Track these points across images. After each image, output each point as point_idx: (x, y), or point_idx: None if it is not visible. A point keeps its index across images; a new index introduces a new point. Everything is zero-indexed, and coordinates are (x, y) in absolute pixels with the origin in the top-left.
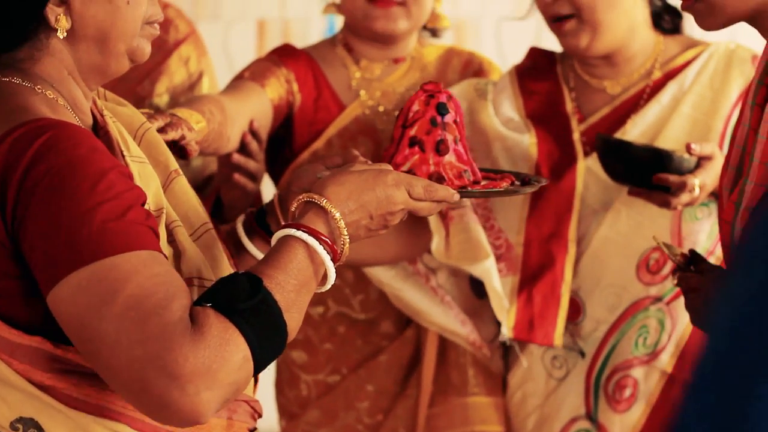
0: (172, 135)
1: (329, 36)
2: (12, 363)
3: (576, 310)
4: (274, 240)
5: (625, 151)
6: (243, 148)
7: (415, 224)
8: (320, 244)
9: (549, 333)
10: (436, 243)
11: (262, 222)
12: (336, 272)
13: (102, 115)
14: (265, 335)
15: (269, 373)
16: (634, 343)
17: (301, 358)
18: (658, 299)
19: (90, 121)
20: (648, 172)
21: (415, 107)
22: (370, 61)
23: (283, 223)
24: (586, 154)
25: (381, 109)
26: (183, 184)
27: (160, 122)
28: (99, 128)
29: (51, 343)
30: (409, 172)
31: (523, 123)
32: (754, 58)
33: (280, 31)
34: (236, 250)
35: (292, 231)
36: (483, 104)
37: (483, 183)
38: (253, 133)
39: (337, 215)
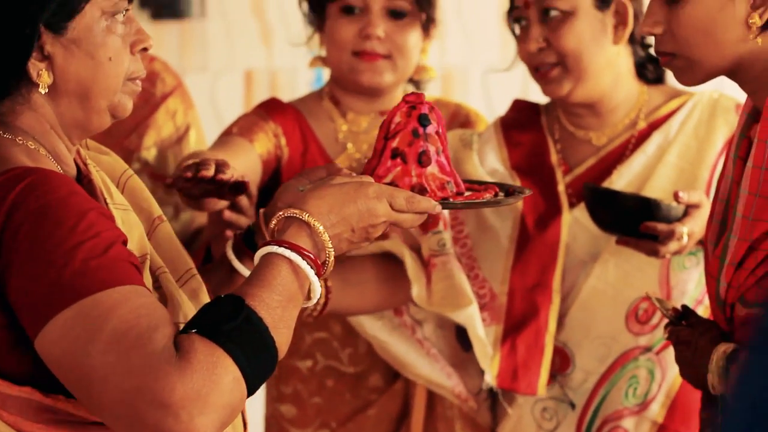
0: (230, 174)
1: (316, 88)
2: (2, 414)
3: (565, 361)
4: (256, 258)
5: (612, 199)
6: (234, 205)
7: (397, 272)
8: (303, 258)
9: (533, 382)
10: (417, 290)
11: (250, 242)
12: (324, 323)
13: (85, 164)
14: (254, 354)
15: (258, 428)
16: (624, 393)
17: (290, 412)
18: (647, 349)
19: (74, 172)
20: (636, 221)
21: (397, 119)
22: (356, 114)
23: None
24: (572, 205)
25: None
26: (167, 231)
27: (211, 169)
28: (83, 177)
29: (41, 393)
30: (392, 183)
31: (508, 174)
32: (737, 107)
33: (267, 82)
34: (230, 274)
35: (274, 248)
36: (468, 155)
37: (466, 194)
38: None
39: (321, 228)
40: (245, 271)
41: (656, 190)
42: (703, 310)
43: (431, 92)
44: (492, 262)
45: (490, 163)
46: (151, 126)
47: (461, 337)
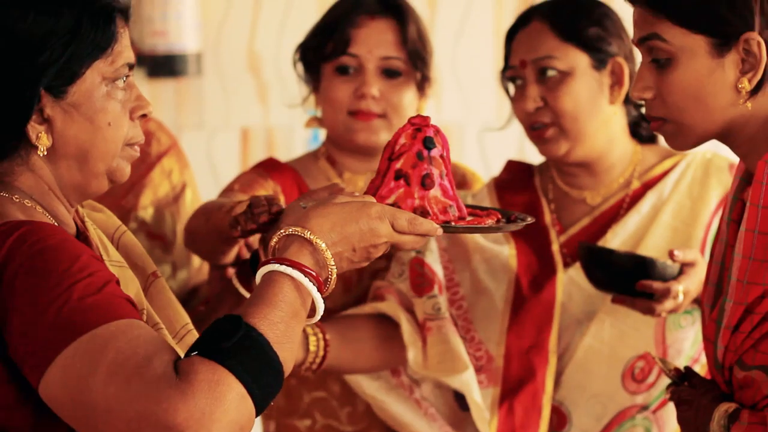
0: (277, 207)
1: (313, 145)
2: None
3: (562, 420)
4: (258, 277)
5: (608, 258)
6: (238, 260)
7: (393, 334)
8: (305, 276)
9: None
10: (413, 355)
11: (256, 269)
12: (323, 382)
13: (83, 222)
14: (257, 369)
15: None
16: None
17: None
18: (644, 408)
19: (73, 230)
20: (631, 280)
21: (402, 140)
22: (353, 174)
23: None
24: (567, 265)
25: None
26: (162, 287)
27: (262, 208)
28: (80, 234)
29: None
30: (394, 205)
31: (501, 235)
32: (731, 166)
33: (263, 140)
34: (237, 302)
35: (275, 266)
36: None
37: (468, 219)
38: (248, 245)
39: (323, 246)
40: None
41: (651, 249)
42: (700, 368)
43: None
44: (488, 323)
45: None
46: (148, 185)
47: (459, 396)
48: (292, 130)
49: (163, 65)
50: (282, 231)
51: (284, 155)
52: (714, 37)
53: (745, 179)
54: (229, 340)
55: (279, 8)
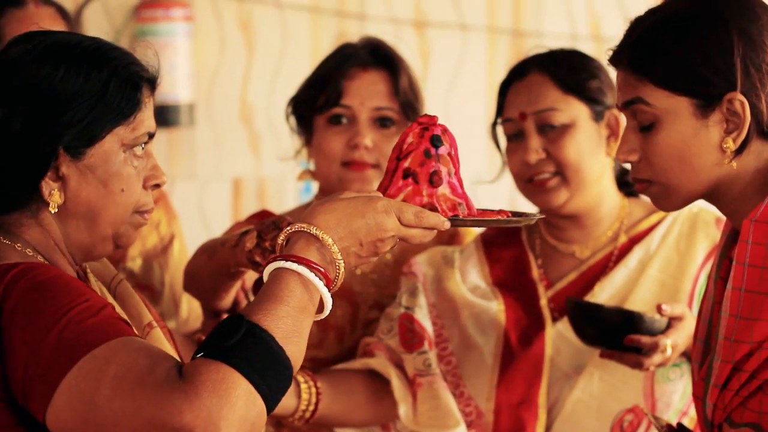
0: (287, 222)
1: (305, 196)
2: None
3: None
4: (265, 275)
5: (595, 313)
6: (234, 307)
7: (384, 389)
8: (311, 271)
9: None
10: (404, 410)
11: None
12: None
13: (85, 273)
14: (263, 365)
15: None
16: None
17: None
18: None
19: None
20: (619, 334)
21: (410, 139)
22: None
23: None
24: (555, 319)
25: (358, 272)
26: (158, 337)
27: (273, 232)
28: None
29: None
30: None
31: (490, 290)
32: (717, 220)
33: (255, 190)
34: None
35: (281, 263)
36: (450, 272)
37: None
38: (245, 291)
39: (330, 241)
40: None
41: (639, 303)
42: (689, 422)
43: None
44: (477, 379)
45: (472, 279)
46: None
47: None
48: (284, 180)
49: (155, 115)
50: (288, 228)
51: (276, 206)
52: (697, 98)
53: (732, 237)
54: (232, 338)
55: (271, 59)
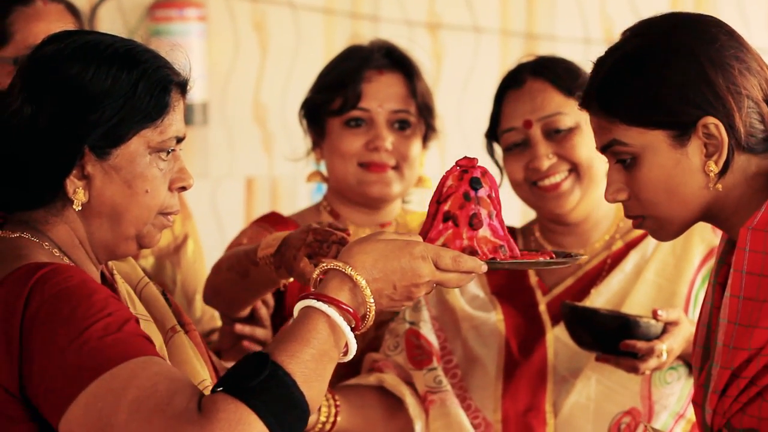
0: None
1: (317, 195)
2: None
3: None
4: (295, 311)
5: (591, 318)
6: (251, 315)
7: (397, 405)
8: (341, 313)
9: None
10: (420, 427)
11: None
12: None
13: (111, 274)
14: (281, 410)
15: None
16: None
17: None
18: None
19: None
20: (615, 339)
21: (449, 182)
22: (357, 227)
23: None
24: (553, 324)
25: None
26: (182, 342)
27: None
28: (107, 286)
29: None
30: (443, 246)
31: (488, 300)
32: None
33: (268, 189)
34: None
35: (312, 302)
36: None
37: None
38: (263, 299)
39: (363, 283)
40: None
41: (635, 306)
42: (686, 424)
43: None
44: (482, 391)
45: (470, 289)
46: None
47: None
48: (297, 180)
49: None
50: (324, 264)
51: (289, 205)
52: (671, 129)
53: (730, 243)
54: (255, 378)
55: (285, 59)
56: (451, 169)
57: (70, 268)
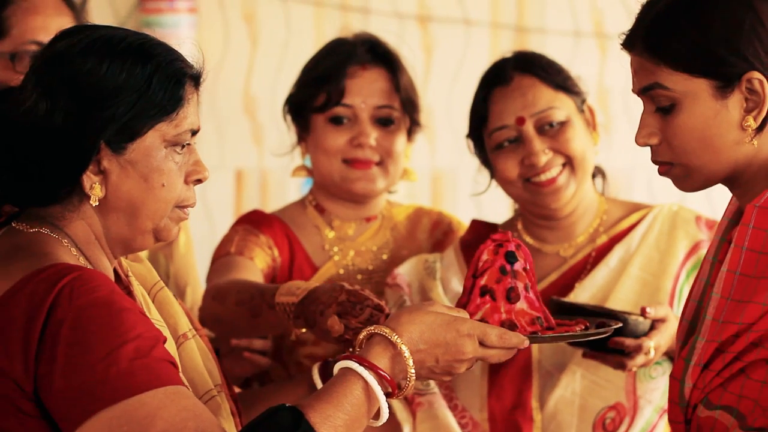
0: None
1: (306, 188)
2: None
3: None
4: (335, 370)
5: (578, 315)
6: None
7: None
8: (379, 380)
9: None
10: (407, 431)
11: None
12: None
13: (127, 276)
14: None
15: None
16: None
17: None
18: None
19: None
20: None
21: (485, 257)
22: (342, 221)
23: (345, 354)
24: None
25: (359, 276)
26: (191, 349)
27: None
28: (122, 288)
29: None
30: (481, 320)
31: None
32: (698, 218)
33: (257, 182)
34: (309, 392)
35: (353, 365)
36: (433, 284)
37: (556, 329)
38: None
39: (407, 353)
40: None
41: (620, 301)
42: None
43: (422, 195)
44: (468, 390)
45: (453, 287)
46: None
47: None
48: (287, 172)
49: None
50: (372, 328)
51: (278, 196)
52: (716, 79)
53: (733, 220)
54: None
55: (275, 52)
56: (486, 243)
57: (96, 275)
